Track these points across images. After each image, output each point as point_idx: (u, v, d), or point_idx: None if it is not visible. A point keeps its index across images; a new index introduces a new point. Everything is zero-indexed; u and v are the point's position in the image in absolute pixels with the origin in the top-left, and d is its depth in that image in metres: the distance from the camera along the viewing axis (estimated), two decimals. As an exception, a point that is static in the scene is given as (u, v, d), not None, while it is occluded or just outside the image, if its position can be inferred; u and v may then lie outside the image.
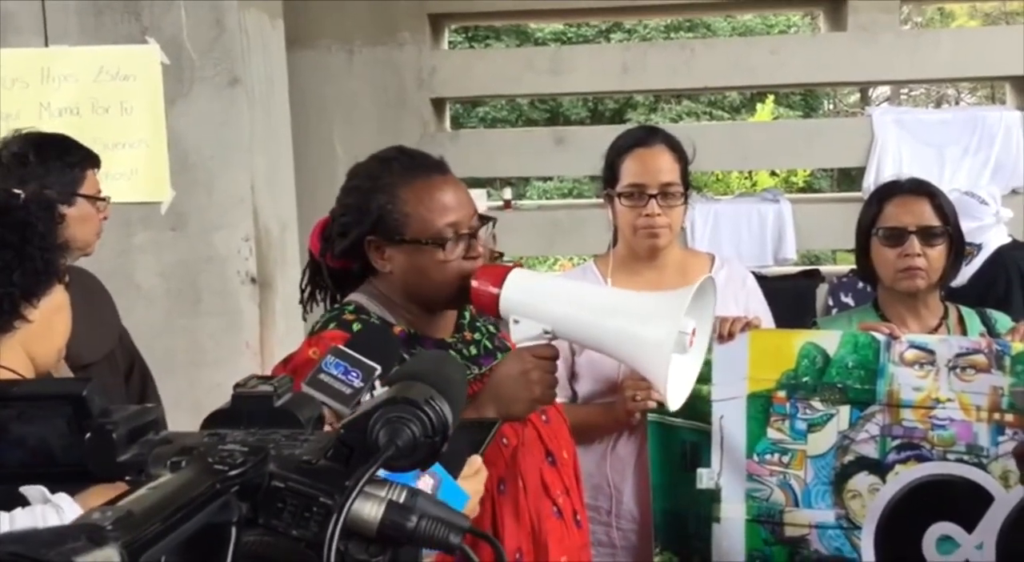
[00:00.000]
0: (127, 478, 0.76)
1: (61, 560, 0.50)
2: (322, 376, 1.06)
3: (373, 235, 1.64)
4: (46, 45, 3.21)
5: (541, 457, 1.71)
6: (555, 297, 1.57)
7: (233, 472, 0.70)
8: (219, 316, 3.25)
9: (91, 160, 2.42)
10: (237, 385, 0.87)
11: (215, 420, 0.83)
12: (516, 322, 1.53)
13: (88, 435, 0.78)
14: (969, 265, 4.22)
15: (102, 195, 2.42)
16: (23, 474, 0.86)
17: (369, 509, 0.75)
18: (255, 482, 0.72)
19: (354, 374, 1.06)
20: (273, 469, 0.74)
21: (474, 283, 1.56)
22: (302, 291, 1.80)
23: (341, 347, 1.09)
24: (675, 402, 1.55)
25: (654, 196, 2.20)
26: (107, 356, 2.37)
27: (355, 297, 1.71)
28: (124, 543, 0.55)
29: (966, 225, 4.23)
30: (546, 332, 1.53)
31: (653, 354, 1.45)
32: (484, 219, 1.71)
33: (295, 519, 0.73)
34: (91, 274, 2.51)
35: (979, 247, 4.25)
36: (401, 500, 0.76)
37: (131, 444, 0.78)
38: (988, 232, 4.27)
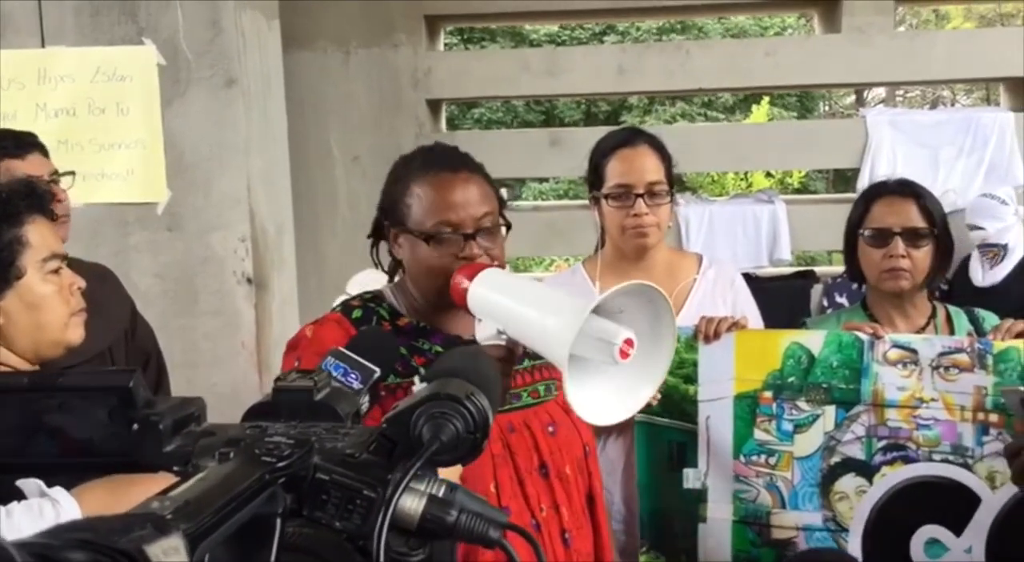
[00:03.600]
0: (175, 468, 0.78)
1: (131, 547, 0.51)
2: None
3: (387, 221, 1.71)
4: (42, 46, 3.22)
5: (531, 467, 1.68)
6: (511, 296, 1.51)
7: (281, 464, 0.71)
8: (215, 316, 3.26)
9: (7, 148, 2.22)
10: (278, 379, 0.89)
11: (255, 413, 0.85)
12: (479, 321, 1.51)
13: (136, 426, 0.79)
14: (1001, 265, 4.27)
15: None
16: (63, 465, 0.87)
17: (410, 503, 0.76)
18: (300, 474, 0.74)
19: (353, 376, 1.07)
20: (318, 461, 0.75)
21: (453, 278, 1.55)
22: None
23: (341, 349, 1.10)
24: (587, 414, 1.35)
25: (641, 196, 2.21)
26: (99, 356, 2.34)
27: (385, 286, 1.77)
28: (185, 531, 0.56)
29: (992, 226, 4.28)
30: (500, 332, 1.48)
31: (554, 346, 1.34)
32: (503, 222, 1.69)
33: (339, 511, 0.74)
34: (102, 272, 2.47)
35: (1004, 247, 4.29)
36: (441, 494, 0.77)
37: (175, 435, 0.79)
38: (1011, 232, 4.31)
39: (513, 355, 1.51)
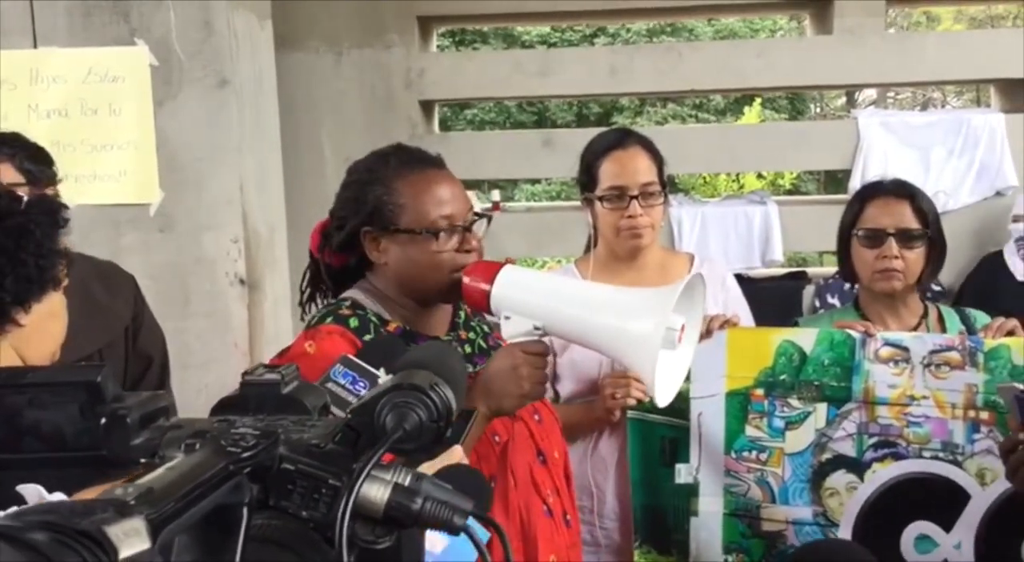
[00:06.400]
0: (142, 461, 0.78)
1: (93, 528, 0.52)
2: (329, 384, 1.07)
3: (369, 226, 1.68)
4: (35, 46, 3.22)
5: (532, 456, 1.73)
6: (545, 293, 1.57)
7: (246, 454, 0.72)
8: (208, 317, 3.25)
9: None
10: (245, 373, 0.90)
11: (224, 407, 0.85)
12: (507, 318, 1.54)
13: (103, 420, 0.80)
14: None
15: None
16: (37, 460, 0.88)
17: (376, 491, 0.77)
18: (266, 464, 0.74)
19: (361, 384, 1.07)
20: (283, 452, 0.76)
21: (465, 279, 1.57)
22: (302, 292, 1.83)
23: (350, 357, 1.10)
24: (663, 398, 1.53)
25: (635, 197, 2.22)
26: (86, 359, 2.32)
27: (351, 293, 1.73)
28: (147, 516, 0.57)
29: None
30: (536, 328, 1.53)
31: (641, 349, 1.45)
32: (480, 215, 1.73)
33: (304, 501, 0.75)
34: (107, 272, 2.46)
35: None
36: (407, 483, 0.78)
37: (143, 429, 0.80)
38: None
39: (548, 349, 1.59)
